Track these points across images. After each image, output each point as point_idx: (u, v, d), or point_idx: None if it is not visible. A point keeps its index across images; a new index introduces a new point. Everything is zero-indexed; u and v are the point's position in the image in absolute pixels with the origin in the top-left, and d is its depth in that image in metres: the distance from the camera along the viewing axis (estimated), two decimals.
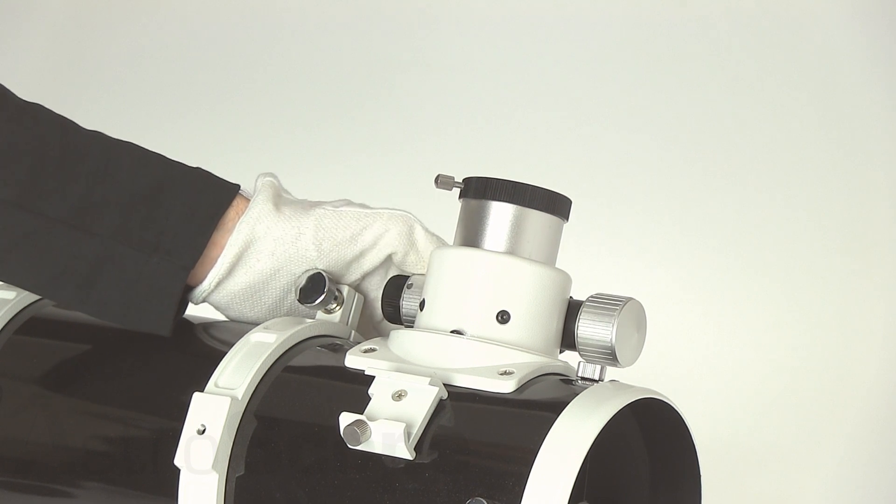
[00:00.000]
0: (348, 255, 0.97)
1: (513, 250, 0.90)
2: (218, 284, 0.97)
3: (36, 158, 0.94)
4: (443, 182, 0.93)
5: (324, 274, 0.96)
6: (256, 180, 0.99)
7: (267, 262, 0.97)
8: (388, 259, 0.98)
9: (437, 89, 1.91)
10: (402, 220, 0.98)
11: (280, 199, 0.98)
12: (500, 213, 0.91)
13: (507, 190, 0.91)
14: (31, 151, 0.94)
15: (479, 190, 0.92)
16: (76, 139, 0.96)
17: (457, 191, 0.93)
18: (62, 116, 0.97)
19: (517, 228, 0.91)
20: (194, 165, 0.98)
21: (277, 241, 0.97)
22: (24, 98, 0.97)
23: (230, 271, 0.97)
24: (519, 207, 0.91)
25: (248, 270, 0.97)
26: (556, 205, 0.91)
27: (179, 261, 0.95)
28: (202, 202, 0.96)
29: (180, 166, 0.97)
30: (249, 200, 0.97)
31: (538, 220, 0.91)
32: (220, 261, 0.96)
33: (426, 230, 0.98)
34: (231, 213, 0.97)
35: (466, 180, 0.93)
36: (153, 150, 0.98)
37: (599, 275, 1.75)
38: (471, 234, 0.92)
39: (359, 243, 0.97)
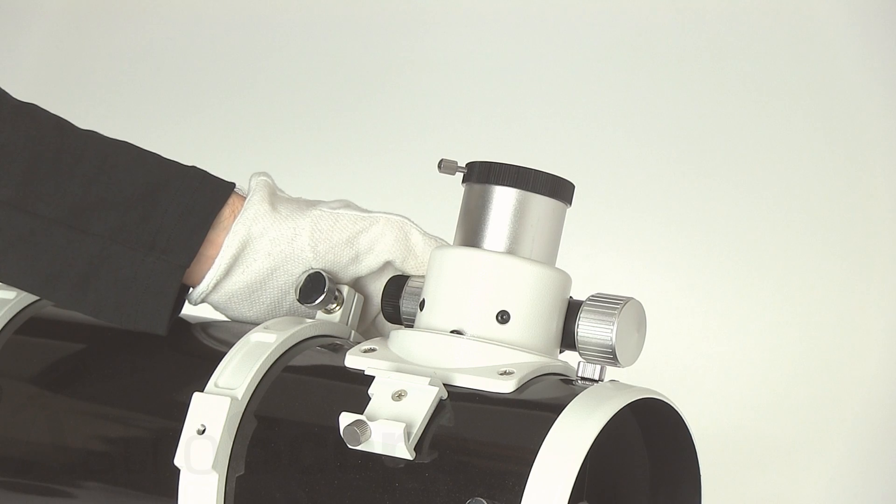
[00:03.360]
0: (344, 257, 0.97)
1: (513, 248, 0.90)
2: (216, 285, 0.97)
3: (31, 159, 0.94)
4: (446, 167, 0.93)
5: (323, 274, 0.96)
6: (250, 179, 0.99)
7: (264, 262, 0.97)
8: (387, 263, 0.98)
9: (436, 89, 1.91)
10: (397, 226, 0.97)
11: (276, 197, 0.98)
12: (503, 199, 0.91)
13: (510, 174, 0.90)
14: (27, 152, 0.94)
15: (482, 174, 0.91)
16: (71, 139, 0.96)
17: (458, 183, 0.93)
18: (57, 116, 0.97)
19: (520, 217, 0.90)
20: (189, 164, 0.98)
21: (274, 241, 0.96)
22: (23, 98, 0.97)
23: (227, 271, 0.96)
24: (522, 192, 0.90)
25: (245, 270, 0.97)
26: (559, 189, 0.91)
27: (175, 260, 0.95)
28: (198, 201, 0.96)
29: (175, 165, 0.97)
30: (245, 199, 0.97)
31: (542, 205, 0.91)
32: (217, 261, 0.96)
33: (423, 234, 0.98)
34: (226, 211, 0.96)
35: (470, 164, 0.92)
36: (148, 150, 0.97)
37: (599, 275, 1.75)
38: (472, 231, 0.91)
39: (354, 247, 0.97)
